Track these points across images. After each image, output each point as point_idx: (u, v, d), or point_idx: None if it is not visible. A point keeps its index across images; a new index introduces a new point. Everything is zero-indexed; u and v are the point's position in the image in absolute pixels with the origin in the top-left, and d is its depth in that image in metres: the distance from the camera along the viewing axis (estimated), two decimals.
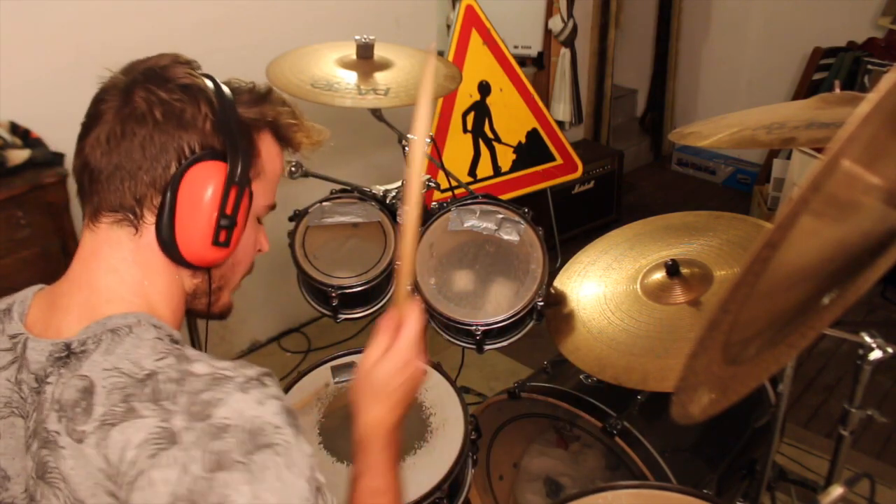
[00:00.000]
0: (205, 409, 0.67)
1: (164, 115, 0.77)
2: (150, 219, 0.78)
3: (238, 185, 0.79)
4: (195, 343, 1.74)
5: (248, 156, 0.81)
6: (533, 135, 3.01)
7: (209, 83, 0.81)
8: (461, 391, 1.49)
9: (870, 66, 3.50)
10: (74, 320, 0.76)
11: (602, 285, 1.53)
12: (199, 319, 0.93)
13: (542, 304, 1.49)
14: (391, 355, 0.89)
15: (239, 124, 0.81)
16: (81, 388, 0.70)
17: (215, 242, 0.80)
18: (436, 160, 1.73)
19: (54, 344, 0.74)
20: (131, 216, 0.78)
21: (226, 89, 0.82)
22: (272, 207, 0.90)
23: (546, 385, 1.58)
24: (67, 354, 0.73)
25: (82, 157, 0.79)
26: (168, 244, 0.79)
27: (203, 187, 0.78)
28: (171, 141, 0.77)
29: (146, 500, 0.65)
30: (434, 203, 1.76)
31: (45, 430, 0.71)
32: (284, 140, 0.89)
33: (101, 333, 0.74)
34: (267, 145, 0.85)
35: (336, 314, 1.65)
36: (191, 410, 0.67)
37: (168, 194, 0.77)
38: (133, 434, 0.66)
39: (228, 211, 0.79)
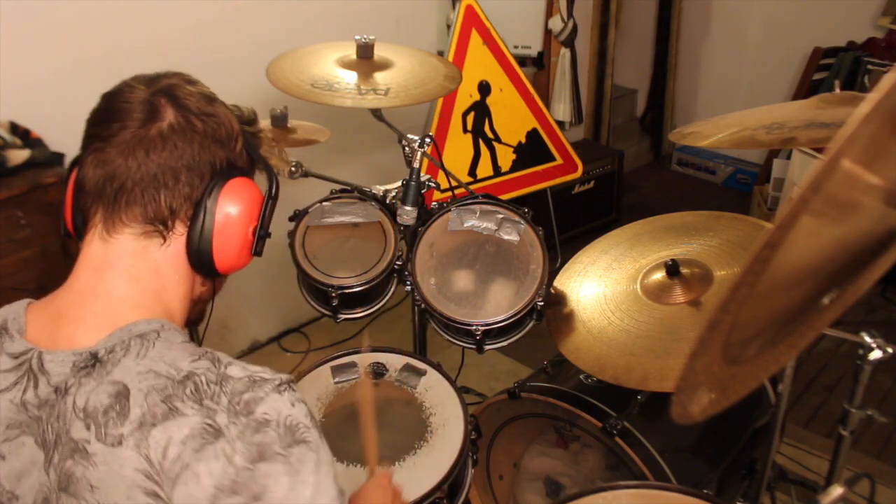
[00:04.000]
0: (246, 407, 0.71)
1: (204, 130, 0.80)
2: (180, 230, 0.81)
3: (273, 199, 0.87)
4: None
5: (274, 172, 0.88)
6: (533, 135, 3.01)
7: None
8: (461, 391, 1.49)
9: (870, 66, 3.50)
10: (90, 329, 0.75)
11: (602, 285, 1.53)
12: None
13: (542, 304, 1.49)
14: None
15: (254, 145, 0.87)
16: (114, 393, 0.70)
17: (255, 252, 0.87)
18: (436, 160, 1.73)
19: (77, 354, 0.74)
20: (162, 227, 0.79)
21: None
22: None
23: (546, 385, 1.58)
24: (94, 363, 0.73)
25: (109, 168, 0.78)
26: (202, 253, 0.81)
27: (240, 201, 0.82)
28: (207, 155, 0.80)
29: (190, 493, 0.67)
30: (434, 203, 1.77)
31: (72, 441, 0.70)
32: (261, 163, 0.94)
33: (129, 339, 0.74)
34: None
35: (336, 314, 1.65)
36: (233, 409, 0.70)
37: (206, 205, 0.80)
38: (175, 431, 0.68)
39: (266, 223, 0.87)
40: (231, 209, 0.82)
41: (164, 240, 0.80)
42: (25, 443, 0.74)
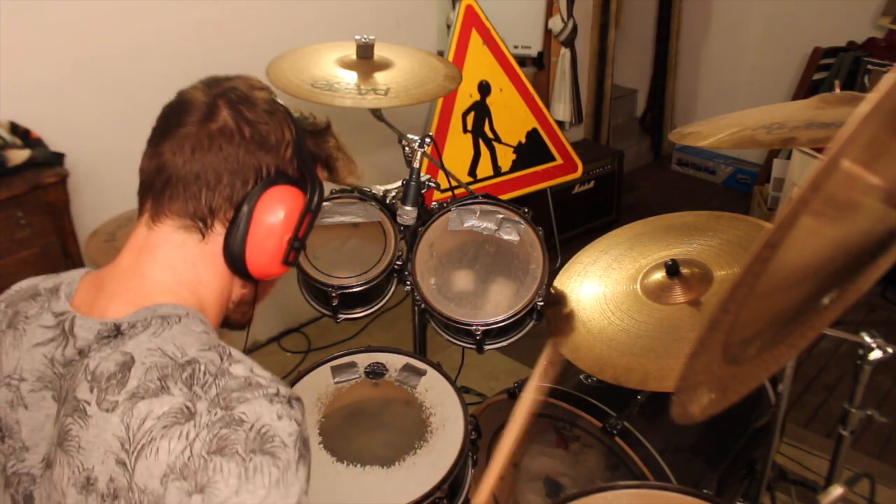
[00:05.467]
0: (229, 402, 0.71)
1: (252, 136, 0.81)
2: (219, 229, 0.83)
3: (312, 212, 0.87)
4: None
5: (320, 185, 0.88)
6: (533, 135, 3.01)
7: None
8: (461, 391, 1.49)
9: (870, 66, 3.50)
10: (121, 304, 0.79)
11: (602, 285, 1.53)
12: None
13: (542, 304, 1.49)
14: None
15: (309, 155, 0.87)
16: (121, 363, 0.73)
17: (285, 262, 0.86)
18: (436, 160, 1.73)
19: (103, 323, 0.78)
20: (201, 224, 0.82)
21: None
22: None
23: (546, 385, 1.58)
24: (116, 334, 0.76)
25: (160, 160, 0.81)
26: (236, 256, 0.83)
27: (279, 209, 0.84)
28: (252, 160, 0.82)
29: (147, 467, 0.68)
30: (434, 203, 1.77)
31: (75, 399, 0.74)
32: (332, 171, 0.94)
33: (152, 318, 0.77)
34: (320, 176, 0.91)
35: (336, 314, 1.65)
36: (217, 401, 0.71)
37: (244, 210, 0.82)
38: (157, 407, 0.70)
39: (301, 234, 0.87)
40: (268, 216, 0.83)
41: (203, 237, 0.82)
42: (45, 397, 0.78)
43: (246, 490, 0.67)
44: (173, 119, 0.82)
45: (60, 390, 0.77)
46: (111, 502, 0.69)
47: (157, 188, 0.82)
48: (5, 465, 0.80)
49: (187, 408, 0.70)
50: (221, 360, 0.75)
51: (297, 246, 0.87)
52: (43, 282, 0.87)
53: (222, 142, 0.80)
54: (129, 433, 0.69)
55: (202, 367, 0.73)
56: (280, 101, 0.87)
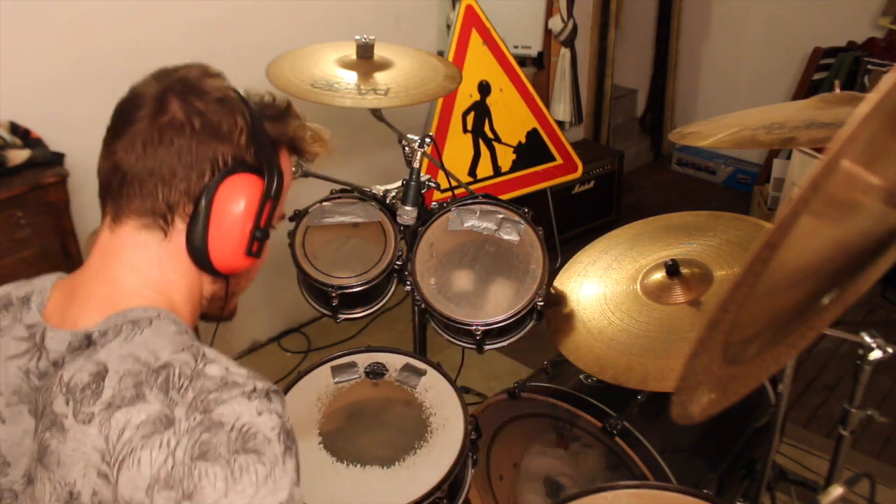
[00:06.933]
0: (207, 405, 0.70)
1: (203, 126, 0.79)
2: (180, 225, 0.80)
3: (273, 198, 0.83)
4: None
5: (279, 171, 0.84)
6: (533, 135, 3.01)
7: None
8: (461, 391, 1.49)
9: (870, 66, 3.50)
10: (92, 312, 0.77)
11: (602, 285, 1.53)
12: (202, 321, 0.94)
13: (542, 304, 1.49)
14: None
15: (268, 140, 0.83)
16: (94, 373, 0.72)
17: (248, 253, 0.84)
18: (436, 160, 1.73)
19: (74, 335, 0.76)
20: (161, 221, 0.80)
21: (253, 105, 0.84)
22: (282, 217, 0.93)
23: (546, 385, 1.58)
24: (88, 344, 0.75)
25: (113, 160, 0.79)
26: (199, 251, 0.81)
27: (239, 199, 0.81)
28: (207, 151, 0.79)
29: (132, 478, 0.67)
30: (434, 203, 1.77)
31: (53, 413, 0.72)
32: (300, 152, 0.91)
33: (122, 324, 0.75)
34: (285, 160, 0.88)
35: (336, 314, 1.65)
36: (194, 405, 0.69)
37: (202, 203, 0.79)
38: (135, 416, 0.68)
39: (262, 224, 0.84)
40: (226, 206, 0.80)
41: (166, 234, 0.80)
42: (22, 412, 0.77)
43: (234, 491, 0.66)
44: (125, 116, 0.80)
45: (37, 404, 0.76)
46: None
47: (115, 189, 0.79)
48: None
49: (165, 415, 0.68)
50: (196, 361, 0.73)
51: (259, 236, 0.84)
52: (15, 290, 0.84)
53: (173, 135, 0.78)
54: (108, 445, 0.68)
55: (176, 371, 0.71)
56: (233, 87, 0.83)
